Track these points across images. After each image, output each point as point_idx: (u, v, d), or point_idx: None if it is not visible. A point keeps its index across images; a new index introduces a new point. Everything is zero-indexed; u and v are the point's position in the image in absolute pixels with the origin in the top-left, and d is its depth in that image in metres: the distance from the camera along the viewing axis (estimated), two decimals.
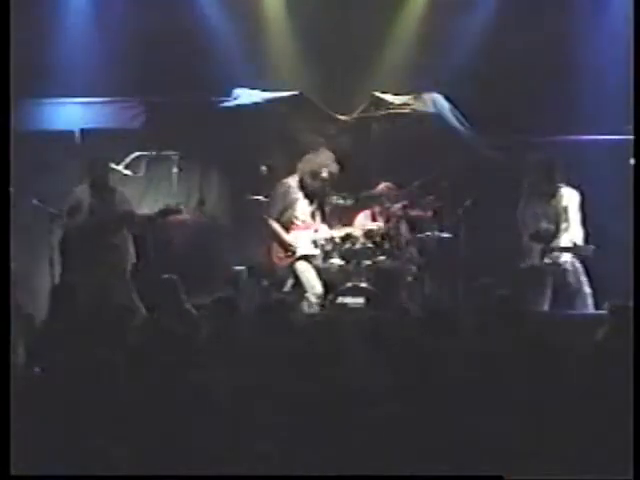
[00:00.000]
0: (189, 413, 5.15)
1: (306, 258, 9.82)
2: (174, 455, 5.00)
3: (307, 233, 9.89)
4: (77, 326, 7.24)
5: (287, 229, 9.87)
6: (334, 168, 9.98)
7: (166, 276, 8.21)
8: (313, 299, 9.62)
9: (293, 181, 9.95)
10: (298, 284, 9.74)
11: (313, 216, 10.02)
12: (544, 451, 4.98)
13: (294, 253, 9.79)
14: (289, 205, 9.88)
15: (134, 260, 9.44)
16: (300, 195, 9.92)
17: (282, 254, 9.82)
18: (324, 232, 9.93)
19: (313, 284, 9.73)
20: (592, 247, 9.28)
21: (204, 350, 6.12)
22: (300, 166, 9.99)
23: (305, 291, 9.66)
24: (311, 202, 9.98)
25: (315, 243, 9.89)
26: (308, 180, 9.92)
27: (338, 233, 9.94)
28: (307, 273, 9.77)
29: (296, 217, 9.89)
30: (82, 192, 9.36)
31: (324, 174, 9.90)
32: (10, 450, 4.84)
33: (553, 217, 9.45)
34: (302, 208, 9.92)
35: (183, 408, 5.18)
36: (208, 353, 6.10)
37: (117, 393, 5.23)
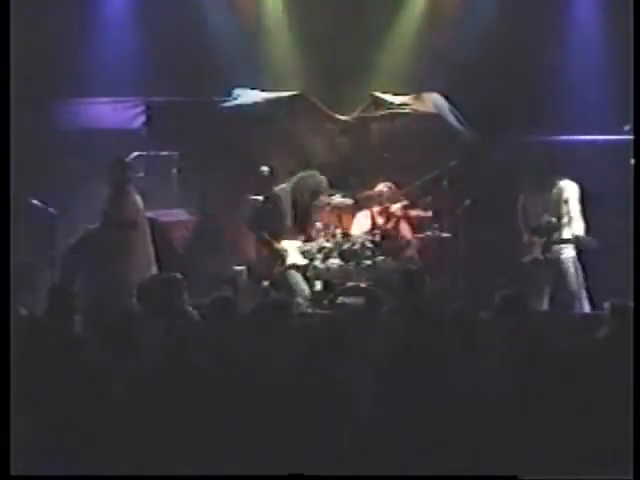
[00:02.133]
0: (189, 412, 5.15)
1: (295, 266, 9.84)
2: (173, 455, 5.00)
3: (296, 243, 9.90)
4: (77, 326, 7.25)
5: (277, 239, 9.86)
6: (324, 185, 9.99)
7: (168, 275, 8.20)
8: (302, 301, 9.64)
9: (282, 193, 9.92)
10: (290, 289, 9.74)
11: (301, 226, 10.01)
12: (544, 451, 4.98)
13: (284, 262, 9.81)
14: (279, 216, 9.86)
15: (149, 264, 9.36)
16: (289, 207, 9.90)
17: (273, 263, 9.82)
18: (313, 243, 9.93)
19: (302, 287, 9.75)
20: (595, 240, 9.25)
21: (204, 349, 6.11)
22: (295, 184, 9.95)
23: (295, 295, 9.66)
24: (298, 213, 9.98)
25: (304, 254, 9.89)
26: (303, 198, 9.89)
27: (327, 243, 9.93)
28: (296, 278, 9.79)
29: (285, 228, 9.89)
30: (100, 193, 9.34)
31: (318, 198, 9.90)
32: (10, 450, 4.84)
33: (554, 210, 9.43)
34: (291, 219, 9.92)
35: (183, 408, 5.18)
36: (208, 352, 6.09)
37: (117, 393, 5.23)
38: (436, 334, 6.29)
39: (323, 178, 10.05)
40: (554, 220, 9.38)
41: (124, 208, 9.36)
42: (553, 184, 9.45)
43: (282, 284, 9.74)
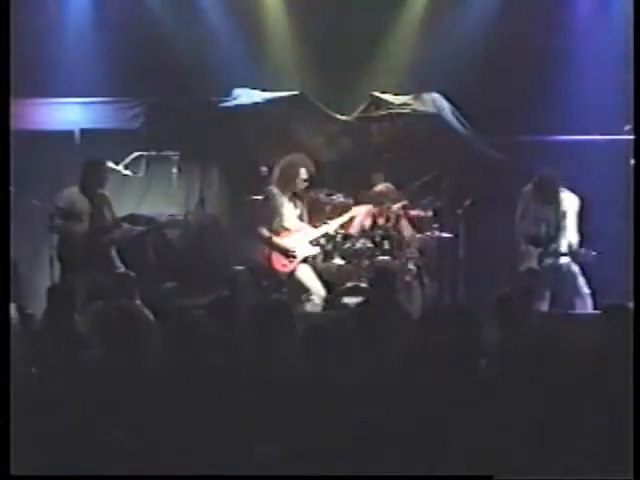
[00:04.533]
0: (189, 413, 5.15)
1: (307, 261, 9.84)
2: (175, 454, 5.00)
3: (301, 235, 9.89)
4: (76, 326, 7.25)
5: (279, 235, 9.85)
6: (310, 166, 9.96)
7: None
8: (318, 301, 9.65)
9: (274, 188, 9.91)
10: (300, 287, 9.75)
11: (301, 218, 10.01)
12: (544, 451, 4.98)
13: (295, 257, 9.79)
14: (275, 212, 9.85)
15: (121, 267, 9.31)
16: (284, 200, 9.89)
17: (285, 261, 9.81)
18: (317, 230, 9.93)
19: (318, 287, 9.76)
20: (592, 252, 9.25)
21: (205, 349, 6.11)
22: (275, 173, 9.95)
23: (310, 294, 9.66)
24: (295, 205, 9.98)
25: (312, 242, 9.89)
26: (286, 184, 9.89)
27: (331, 227, 9.93)
28: (310, 276, 9.80)
29: (285, 222, 9.88)
30: (75, 195, 9.28)
31: (302, 174, 9.89)
32: (10, 450, 4.84)
33: (552, 222, 9.45)
34: (288, 212, 9.91)
35: (182, 408, 5.18)
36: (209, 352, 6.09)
37: (117, 393, 5.23)
38: (424, 332, 6.29)
39: (301, 156, 9.99)
40: (552, 233, 9.40)
41: (105, 212, 9.34)
42: (554, 196, 9.46)
43: (294, 283, 9.75)
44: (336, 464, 4.91)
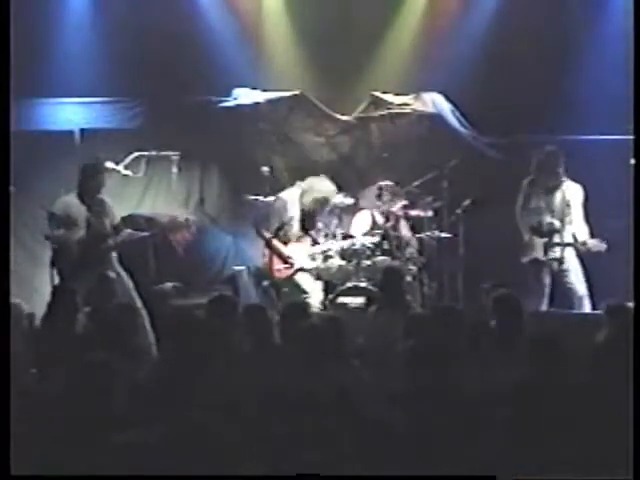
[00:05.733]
0: (190, 413, 5.15)
1: (304, 269, 9.85)
2: (174, 455, 5.00)
3: (304, 246, 9.89)
4: (76, 327, 7.25)
5: (284, 242, 9.84)
6: (333, 196, 9.92)
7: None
8: (315, 303, 9.66)
9: (290, 197, 9.89)
10: (297, 290, 9.76)
11: (307, 231, 10.00)
12: (544, 451, 4.99)
13: (292, 265, 9.81)
14: (286, 222, 9.84)
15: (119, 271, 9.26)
16: (296, 212, 9.88)
17: (281, 267, 9.81)
18: (320, 246, 9.92)
19: (314, 290, 9.77)
20: (603, 243, 9.19)
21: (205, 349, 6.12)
22: (305, 188, 9.86)
23: (307, 296, 9.67)
24: (305, 219, 9.96)
25: (312, 257, 9.89)
26: (310, 206, 9.86)
27: (335, 246, 9.91)
28: (307, 280, 9.81)
29: (292, 233, 9.88)
30: (71, 202, 9.19)
31: (327, 207, 9.88)
32: (10, 450, 4.84)
33: (557, 211, 9.41)
34: (297, 225, 9.90)
35: (183, 408, 5.18)
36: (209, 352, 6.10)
37: (117, 394, 5.23)
38: (418, 332, 6.29)
39: (332, 187, 9.96)
40: (557, 222, 9.36)
41: (103, 218, 9.29)
42: (557, 185, 9.44)
43: (291, 285, 9.76)
44: (337, 463, 4.92)
